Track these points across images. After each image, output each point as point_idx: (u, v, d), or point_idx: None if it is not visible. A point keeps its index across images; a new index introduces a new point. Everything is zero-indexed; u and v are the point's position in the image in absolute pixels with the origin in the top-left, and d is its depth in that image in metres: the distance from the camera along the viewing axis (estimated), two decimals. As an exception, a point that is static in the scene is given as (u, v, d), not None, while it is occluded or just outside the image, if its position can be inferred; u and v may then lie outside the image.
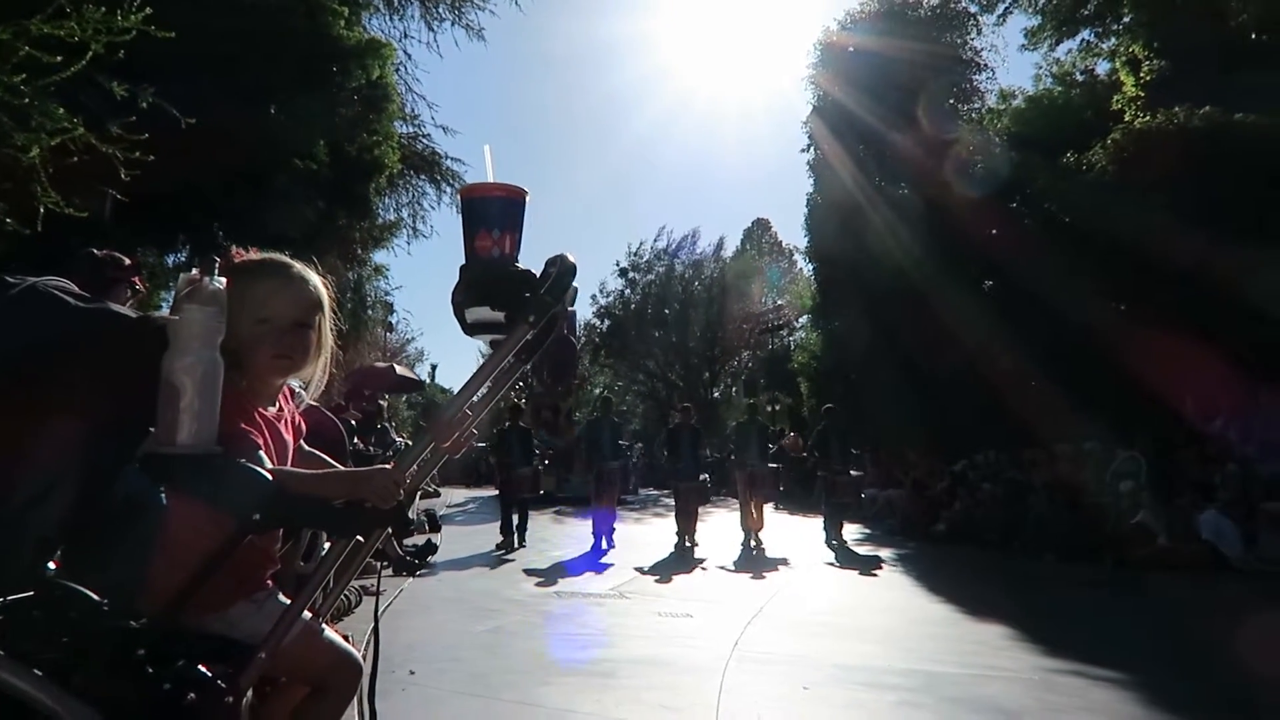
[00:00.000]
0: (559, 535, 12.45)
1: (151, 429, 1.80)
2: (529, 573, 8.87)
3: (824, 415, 12.89)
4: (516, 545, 10.98)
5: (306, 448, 2.23)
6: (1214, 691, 4.49)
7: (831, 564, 10.20)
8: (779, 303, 35.37)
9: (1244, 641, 5.27)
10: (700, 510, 11.66)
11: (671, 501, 12.19)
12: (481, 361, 2.09)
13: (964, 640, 5.96)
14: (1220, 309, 10.53)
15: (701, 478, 12.38)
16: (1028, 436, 12.65)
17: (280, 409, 2.08)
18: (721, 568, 9.41)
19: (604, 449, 12.00)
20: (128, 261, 3.69)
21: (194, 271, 1.80)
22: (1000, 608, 6.98)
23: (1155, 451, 10.95)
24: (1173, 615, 7.10)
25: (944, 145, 17.02)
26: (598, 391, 33.27)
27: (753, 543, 11.25)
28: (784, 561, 10.00)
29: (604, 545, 11.09)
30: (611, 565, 9.47)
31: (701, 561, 9.96)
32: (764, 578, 8.58)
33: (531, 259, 2.07)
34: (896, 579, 9.01)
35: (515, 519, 11.32)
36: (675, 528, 11.35)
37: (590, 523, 11.58)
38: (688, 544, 11.04)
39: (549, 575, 8.83)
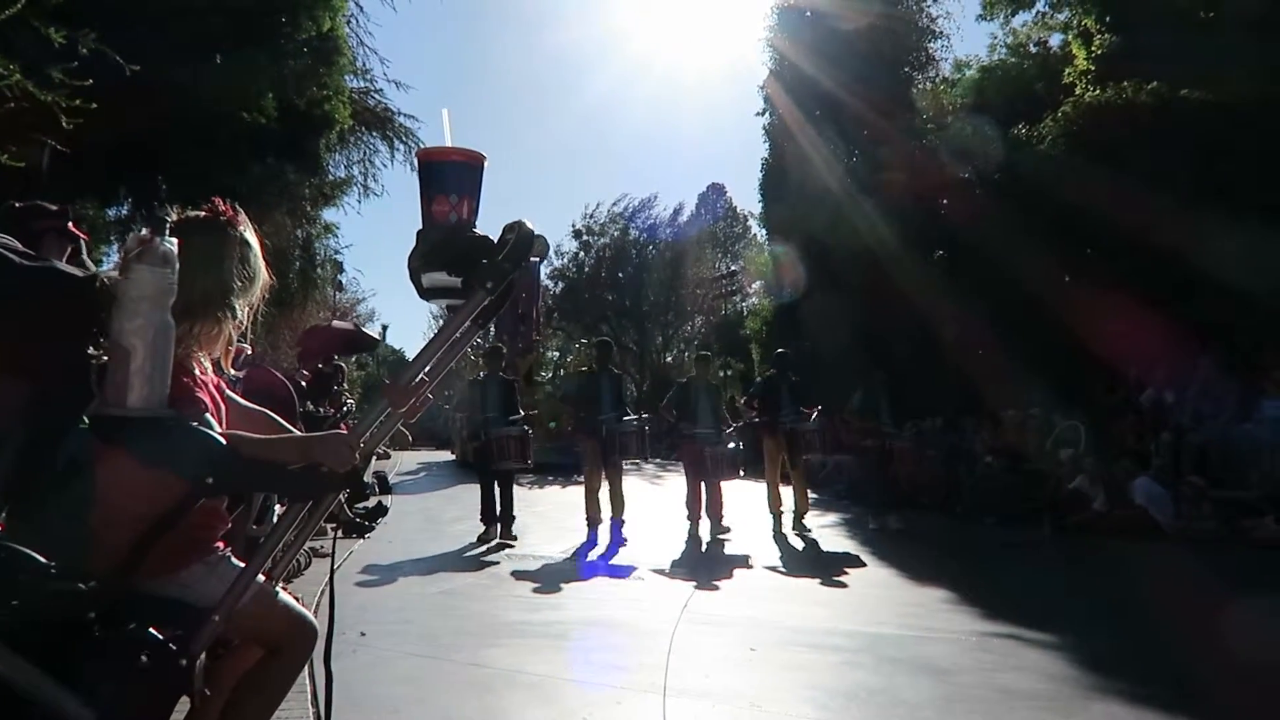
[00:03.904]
0: (535, 518, 10.06)
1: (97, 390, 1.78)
2: (480, 536, 8.84)
3: (874, 372, 10.50)
4: (502, 536, 8.54)
5: (244, 403, 2.22)
6: (1141, 651, 4.68)
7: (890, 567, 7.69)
8: (733, 268, 35.53)
9: (1170, 603, 5.50)
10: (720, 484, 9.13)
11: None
12: (435, 324, 2.09)
13: (905, 602, 6.12)
14: (1161, 280, 10.81)
15: (731, 445, 9.45)
16: (975, 403, 12.91)
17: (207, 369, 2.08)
18: (672, 532, 9.40)
19: (604, 409, 8.90)
20: (53, 208, 3.51)
21: (144, 231, 1.77)
22: (941, 571, 7.16)
23: (1094, 419, 11.26)
24: (1105, 578, 7.35)
25: (898, 113, 17.13)
26: (552, 355, 33.06)
27: (785, 527, 9.39)
28: (734, 526, 10.04)
29: (615, 538, 8.63)
30: (566, 531, 9.39)
31: (655, 528, 9.42)
32: (714, 543, 8.67)
33: (485, 221, 2.06)
34: (843, 543, 9.17)
35: (498, 500, 8.70)
36: (686, 511, 8.97)
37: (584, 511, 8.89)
38: (721, 535, 8.76)
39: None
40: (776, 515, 9.52)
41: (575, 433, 10.17)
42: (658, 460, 15.85)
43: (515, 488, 9.05)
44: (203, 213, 2.01)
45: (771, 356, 10.58)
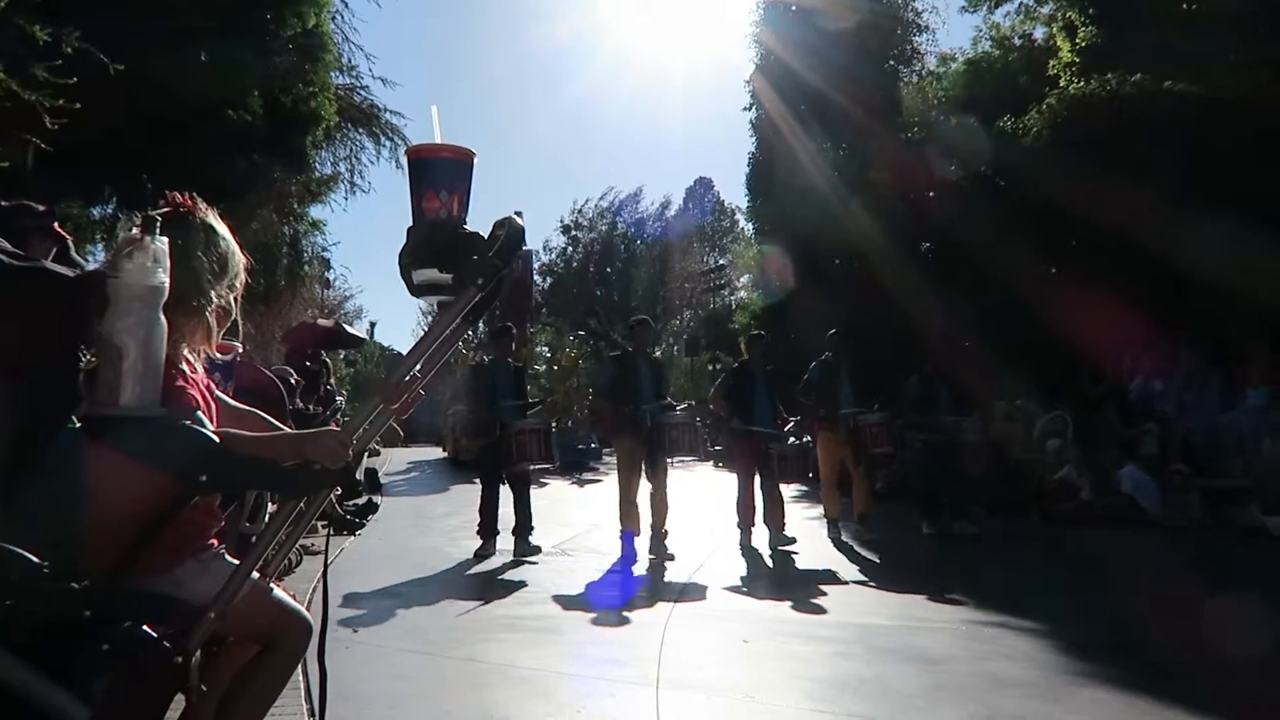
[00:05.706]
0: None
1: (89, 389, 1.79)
2: (472, 532, 8.82)
3: (928, 359, 9.45)
4: (518, 552, 7.27)
5: (234, 403, 2.22)
6: (1128, 638, 4.72)
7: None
8: (721, 262, 35.60)
9: (1157, 590, 5.56)
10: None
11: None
12: (424, 320, 2.10)
13: (895, 594, 6.14)
14: (1145, 272, 10.87)
15: (792, 440, 8.32)
16: (962, 395, 12.95)
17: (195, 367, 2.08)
18: (670, 526, 9.34)
19: (645, 400, 7.60)
20: (40, 208, 3.52)
21: (135, 230, 1.77)
22: (930, 561, 7.20)
23: (1080, 410, 11.34)
24: (1093, 567, 7.41)
25: (884, 107, 17.18)
26: (542, 350, 33.04)
27: (842, 534, 8.33)
28: (724, 520, 10.04)
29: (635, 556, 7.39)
30: (558, 526, 9.40)
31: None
32: (705, 536, 8.69)
33: (473, 217, 2.07)
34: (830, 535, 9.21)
35: (514, 508, 7.43)
36: (737, 519, 8.10)
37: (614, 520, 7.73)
38: (784, 546, 7.73)
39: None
40: (832, 521, 8.46)
41: (607, 428, 9.13)
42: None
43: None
44: (161, 208, 2.00)
45: (826, 338, 8.97)
